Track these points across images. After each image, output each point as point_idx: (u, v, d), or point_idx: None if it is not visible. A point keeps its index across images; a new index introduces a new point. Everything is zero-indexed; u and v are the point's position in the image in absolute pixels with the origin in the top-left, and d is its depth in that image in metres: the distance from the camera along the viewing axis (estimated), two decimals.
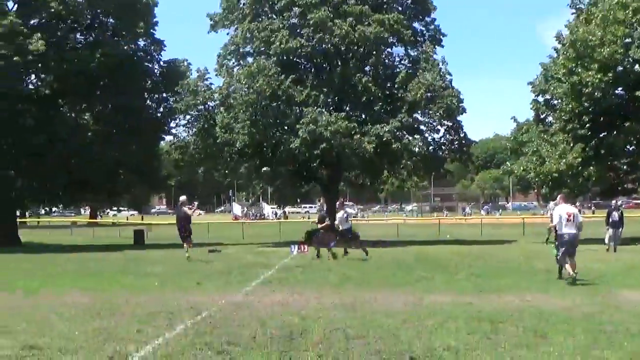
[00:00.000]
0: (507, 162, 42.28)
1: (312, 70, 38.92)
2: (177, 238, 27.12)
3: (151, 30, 41.50)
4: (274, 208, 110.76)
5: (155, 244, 28.46)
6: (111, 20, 40.39)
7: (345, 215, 27.17)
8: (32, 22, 38.02)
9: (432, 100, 35.79)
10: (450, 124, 38.13)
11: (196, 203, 29.59)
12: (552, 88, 36.61)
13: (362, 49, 37.53)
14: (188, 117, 39.80)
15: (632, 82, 33.68)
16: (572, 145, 34.68)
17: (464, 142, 39.19)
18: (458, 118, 38.13)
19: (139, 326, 11.40)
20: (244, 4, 38.85)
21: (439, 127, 38.39)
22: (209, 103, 38.89)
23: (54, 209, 67.95)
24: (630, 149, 36.20)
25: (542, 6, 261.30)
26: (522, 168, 37.14)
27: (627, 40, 32.93)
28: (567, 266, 17.61)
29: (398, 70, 38.50)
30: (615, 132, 35.01)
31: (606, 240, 29.67)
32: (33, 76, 38.76)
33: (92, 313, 12.92)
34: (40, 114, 35.70)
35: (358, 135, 34.41)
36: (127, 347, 9.80)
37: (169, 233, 35.89)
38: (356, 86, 36.38)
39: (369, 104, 37.07)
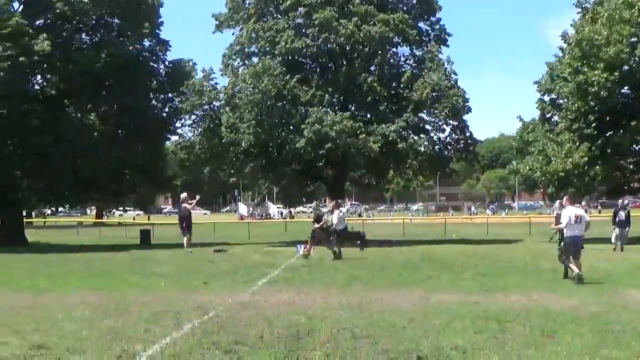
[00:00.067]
0: (513, 162, 42.17)
1: (318, 70, 38.96)
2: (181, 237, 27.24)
3: (156, 31, 41.50)
4: (279, 208, 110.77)
5: (161, 244, 28.48)
6: (116, 20, 40.39)
7: (341, 214, 27.27)
8: (37, 22, 38.07)
9: (438, 99, 35.79)
10: (455, 123, 38.15)
11: (197, 197, 29.48)
12: (558, 87, 36.54)
13: (367, 49, 37.53)
14: (193, 117, 39.90)
15: (638, 81, 33.61)
16: (578, 144, 34.61)
17: (469, 141, 39.20)
18: (463, 117, 38.23)
19: (146, 326, 11.42)
20: (249, 4, 38.90)
21: (444, 126, 38.47)
22: (214, 103, 38.95)
23: (60, 209, 68.11)
24: (637, 148, 36.12)
25: (547, 5, 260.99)
26: (528, 167, 37.06)
27: (633, 39, 32.80)
28: (572, 266, 17.61)
29: (403, 70, 38.54)
30: (621, 131, 34.92)
31: (613, 240, 29.59)
32: (39, 77, 38.81)
33: (99, 313, 12.94)
34: (45, 115, 35.72)
35: (363, 135, 34.42)
36: (135, 346, 9.82)
37: (176, 233, 35.93)
38: (361, 86, 36.39)
39: (374, 103, 37.08)
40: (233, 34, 39.90)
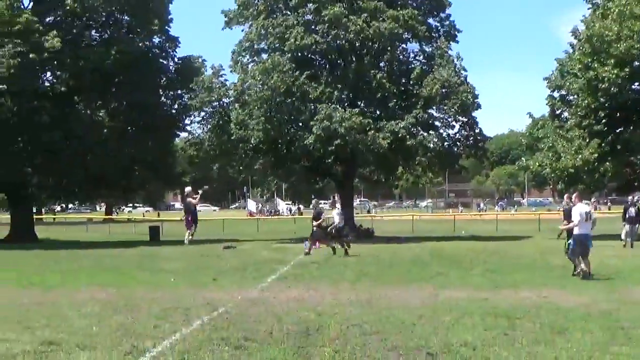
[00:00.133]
0: (523, 158, 42.06)
1: (327, 66, 38.92)
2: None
3: (166, 27, 41.51)
4: (288, 204, 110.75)
5: (170, 240, 28.53)
6: (126, 17, 40.40)
7: (339, 212, 27.34)
8: (47, 19, 38.13)
9: (447, 96, 35.70)
10: (465, 119, 38.06)
11: (200, 191, 29.52)
12: (568, 83, 36.41)
13: (376, 45, 37.49)
14: (203, 113, 39.92)
15: None
16: (588, 140, 34.49)
17: (479, 137, 39.09)
18: (473, 114, 38.08)
19: (155, 322, 11.45)
20: (258, 0, 38.84)
21: (454, 123, 38.36)
22: (223, 100, 38.97)
23: (69, 205, 68.28)
24: None
25: (557, 1, 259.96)
26: (537, 164, 36.94)
27: None
28: (583, 265, 17.59)
29: (413, 66, 38.45)
30: (631, 128, 34.83)
31: (623, 237, 29.51)
32: (49, 73, 38.87)
33: (109, 309, 12.98)
34: (55, 111, 35.77)
35: (372, 132, 34.38)
36: (144, 342, 9.84)
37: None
38: (371, 82, 36.36)
39: (383, 100, 37.04)
40: (242, 30, 39.94)
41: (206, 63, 42.53)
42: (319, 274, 19.09)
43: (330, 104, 35.02)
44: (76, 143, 36.45)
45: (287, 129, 36.61)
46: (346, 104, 36.66)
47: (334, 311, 12.40)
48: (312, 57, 38.84)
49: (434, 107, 36.99)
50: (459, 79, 36.25)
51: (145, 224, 49.35)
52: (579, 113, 35.70)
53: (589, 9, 36.91)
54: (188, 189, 28.42)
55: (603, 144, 34.29)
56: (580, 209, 17.91)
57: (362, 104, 37.91)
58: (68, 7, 36.81)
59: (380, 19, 36.10)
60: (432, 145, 36.81)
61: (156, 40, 41.82)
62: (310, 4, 37.54)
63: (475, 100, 36.94)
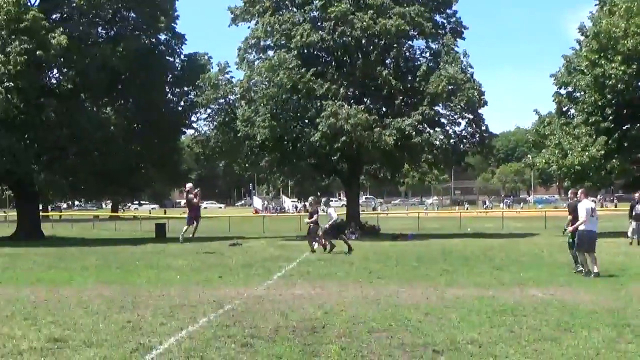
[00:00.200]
0: (529, 155, 41.98)
1: (333, 63, 38.86)
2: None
3: (172, 24, 41.55)
4: (294, 202, 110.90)
5: (176, 238, 28.52)
6: (132, 14, 40.43)
7: (334, 209, 27.49)
8: (54, 16, 38.22)
9: (454, 93, 35.63)
10: (471, 116, 37.99)
11: (197, 190, 29.49)
12: (575, 80, 36.31)
13: (382, 42, 37.42)
14: (209, 110, 39.99)
15: None
16: (594, 137, 34.35)
17: (485, 135, 38.99)
18: (479, 111, 38.01)
19: (162, 319, 11.47)
20: None
21: (460, 120, 38.30)
22: (229, 97, 38.99)
23: (76, 203, 68.47)
24: None
25: None
26: (544, 161, 36.84)
27: None
28: (589, 261, 17.60)
29: (419, 63, 38.41)
30: (638, 125, 34.70)
31: (629, 234, 29.43)
32: (55, 71, 38.95)
33: (115, 306, 13.01)
34: (62, 108, 35.83)
35: (378, 128, 34.36)
36: (151, 340, 9.86)
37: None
38: (377, 79, 36.34)
39: (389, 97, 37.03)
40: (249, 27, 39.89)
41: (212, 60, 42.61)
42: (325, 272, 19.08)
43: (336, 101, 34.99)
44: (82, 140, 36.53)
45: (293, 126, 36.63)
46: (352, 101, 36.62)
47: (340, 309, 12.41)
48: (318, 54, 38.82)
49: (440, 104, 36.93)
50: (465, 75, 36.16)
51: (152, 221, 49.44)
52: (586, 110, 35.60)
53: (596, 5, 36.85)
54: (189, 185, 28.42)
55: (610, 141, 34.18)
56: (585, 205, 17.90)
57: (368, 101, 37.92)
58: (74, 5, 36.88)
59: (387, 15, 36.05)
60: (438, 143, 36.75)
61: (162, 37, 41.90)
62: (317, 1, 37.53)
63: (482, 97, 36.85)
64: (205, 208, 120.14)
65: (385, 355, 8.95)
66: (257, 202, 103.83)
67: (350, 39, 36.49)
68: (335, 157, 38.35)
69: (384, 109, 37.67)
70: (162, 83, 41.57)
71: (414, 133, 34.89)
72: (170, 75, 42.23)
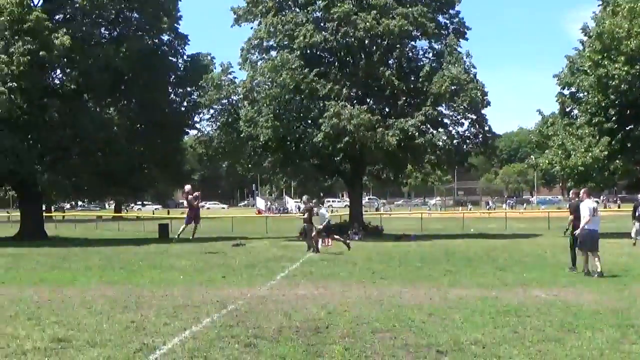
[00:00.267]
0: (532, 156, 41.95)
1: (336, 63, 38.84)
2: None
3: (175, 25, 41.59)
4: (297, 202, 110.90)
5: (180, 238, 28.58)
6: (135, 15, 40.49)
7: (326, 209, 27.57)
8: (57, 17, 38.30)
9: (457, 93, 35.60)
10: (474, 117, 37.94)
11: (197, 193, 29.53)
12: (578, 81, 36.26)
13: (385, 43, 37.39)
14: (212, 111, 40.08)
15: None
16: (598, 138, 34.31)
17: (488, 135, 38.96)
18: (482, 111, 37.94)
19: (165, 319, 11.47)
20: None
21: (463, 120, 38.24)
22: (232, 97, 39.04)
23: (79, 203, 68.46)
24: None
25: None
26: (547, 161, 36.80)
27: None
28: (591, 261, 17.62)
29: (422, 63, 38.39)
30: None
31: (633, 234, 29.37)
32: (58, 71, 39.02)
33: (119, 306, 13.02)
34: (65, 109, 35.88)
35: (381, 129, 34.35)
36: (154, 340, 9.86)
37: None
38: (380, 80, 36.32)
39: (392, 97, 37.03)
40: (252, 27, 39.88)
41: (215, 61, 42.71)
42: (329, 272, 19.09)
43: (339, 102, 34.98)
44: (86, 141, 36.59)
45: (296, 127, 36.65)
46: (355, 101, 36.62)
47: (343, 309, 12.41)
48: (321, 54, 38.82)
49: (443, 105, 36.90)
50: (468, 76, 36.12)
51: (155, 222, 49.47)
52: (589, 110, 35.56)
53: (599, 5, 36.79)
54: (187, 187, 28.50)
55: (613, 142, 34.13)
56: (588, 204, 17.93)
57: (371, 102, 37.93)
58: (78, 5, 36.98)
59: (390, 16, 36.03)
60: (441, 143, 36.72)
61: (165, 37, 41.96)
62: (320, 1, 37.50)
63: (485, 98, 36.82)
64: (207, 209, 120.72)
65: (389, 356, 8.94)
66: (260, 202, 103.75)
67: (353, 39, 36.46)
68: (338, 158, 38.35)
69: (386, 110, 37.68)
70: (165, 83, 41.63)
71: (417, 134, 34.88)
72: (173, 76, 42.29)
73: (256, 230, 45.85)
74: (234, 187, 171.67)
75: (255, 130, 36.12)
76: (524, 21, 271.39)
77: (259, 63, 38.68)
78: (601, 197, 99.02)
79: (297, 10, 38.51)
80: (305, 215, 27.54)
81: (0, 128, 33.98)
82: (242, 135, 36.98)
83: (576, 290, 14.89)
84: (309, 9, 37.82)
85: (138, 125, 40.91)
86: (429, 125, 36.62)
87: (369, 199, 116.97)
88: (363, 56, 37.88)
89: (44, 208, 51.61)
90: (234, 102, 39.17)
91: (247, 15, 39.55)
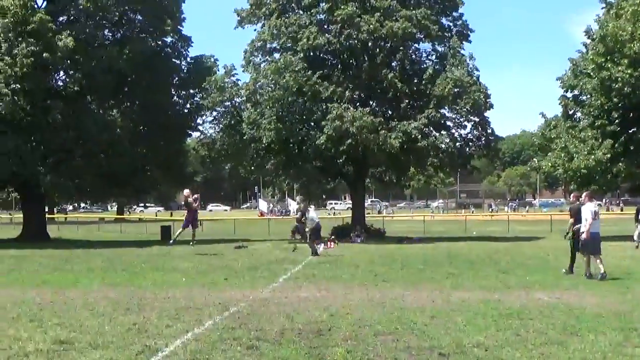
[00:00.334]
0: (535, 159, 41.91)
1: (339, 66, 38.84)
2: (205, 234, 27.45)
3: (178, 27, 41.60)
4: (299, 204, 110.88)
5: (182, 240, 28.60)
6: (139, 17, 40.49)
7: (314, 212, 27.51)
8: (61, 19, 38.31)
9: (460, 95, 35.56)
10: (477, 119, 37.90)
11: (196, 196, 29.55)
12: (581, 83, 36.25)
13: (389, 45, 37.39)
14: (215, 113, 40.04)
15: None
16: (601, 141, 34.32)
17: (491, 138, 38.94)
18: (485, 114, 37.90)
19: (168, 321, 11.47)
20: None
21: (466, 122, 38.20)
22: (235, 99, 39.05)
23: (81, 205, 68.50)
24: None
25: (570, 1, 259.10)
26: (550, 164, 36.81)
27: None
28: (593, 264, 17.63)
29: (425, 66, 38.36)
30: None
31: (635, 237, 29.33)
32: (62, 73, 39.02)
33: (121, 308, 13.02)
34: (68, 111, 35.86)
35: (384, 131, 34.33)
36: (157, 342, 9.86)
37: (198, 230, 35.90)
38: (382, 82, 36.31)
39: (395, 100, 37.03)
40: (255, 30, 39.94)
41: (218, 63, 42.61)
42: (331, 274, 19.08)
43: (341, 104, 34.98)
44: (89, 142, 36.56)
45: (299, 129, 36.65)
46: (358, 103, 36.62)
47: (345, 311, 12.40)
48: (325, 56, 38.81)
49: (446, 107, 36.86)
50: (471, 78, 36.07)
51: (157, 224, 49.47)
52: (592, 113, 35.57)
53: (602, 8, 36.78)
54: (186, 191, 28.60)
55: (616, 145, 34.13)
56: (589, 207, 17.94)
57: (373, 104, 37.96)
58: (81, 7, 36.95)
59: (393, 18, 36.01)
60: (443, 146, 36.69)
61: (168, 39, 41.91)
62: (323, 4, 37.54)
63: (488, 100, 36.78)
64: (210, 211, 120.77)
65: (391, 359, 8.94)
66: (263, 204, 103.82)
67: (356, 41, 36.44)
68: (340, 160, 38.33)
69: (389, 112, 37.69)
70: (168, 85, 41.61)
71: (419, 136, 34.85)
72: (176, 78, 42.27)
73: (259, 233, 45.85)
74: (236, 189, 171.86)
75: (258, 133, 36.14)
76: (527, 24, 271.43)
77: (262, 65, 38.71)
78: (604, 200, 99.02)
79: (301, 12, 38.52)
80: (298, 215, 27.80)
81: (4, 129, 33.97)
82: (244, 138, 36.99)
83: (579, 293, 14.87)
84: (312, 11, 37.81)
85: (141, 127, 40.89)
86: (431, 128, 36.59)
87: (371, 201, 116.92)
88: (366, 58, 37.90)
89: (46, 210, 51.61)
90: (236, 104, 39.19)
91: (250, 17, 39.59)
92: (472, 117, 37.58)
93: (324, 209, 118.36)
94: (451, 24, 39.65)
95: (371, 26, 35.43)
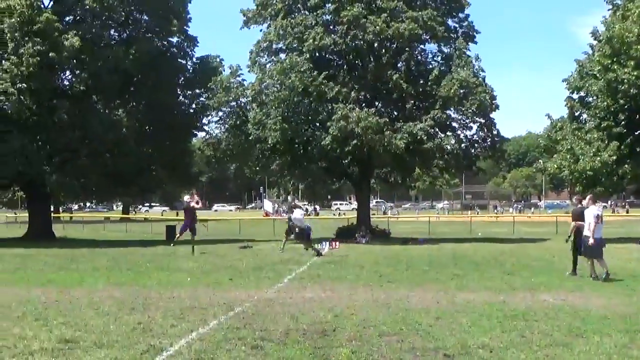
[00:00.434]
0: (540, 160, 41.85)
1: (345, 66, 38.79)
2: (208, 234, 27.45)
3: (184, 27, 41.65)
4: (305, 205, 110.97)
5: (187, 240, 28.59)
6: (145, 17, 40.58)
7: (302, 214, 27.72)
8: (67, 18, 38.41)
9: (465, 96, 35.48)
10: (482, 121, 37.77)
11: (196, 199, 29.64)
12: (587, 85, 36.14)
13: (395, 46, 37.35)
14: (220, 113, 39.98)
15: None
16: (607, 143, 34.22)
17: (496, 139, 38.81)
18: (491, 115, 37.79)
19: (172, 321, 11.48)
20: (277, 0, 38.77)
21: (471, 124, 38.09)
22: (241, 99, 39.00)
23: (87, 204, 68.58)
24: None
25: (577, 2, 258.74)
26: (555, 166, 36.72)
27: None
28: (596, 266, 17.63)
29: (431, 67, 38.29)
30: None
31: None
32: (68, 72, 39.10)
33: (126, 307, 13.03)
34: (74, 110, 35.95)
35: (389, 132, 34.29)
36: (162, 341, 9.87)
37: (202, 229, 35.99)
38: (388, 83, 36.26)
39: (400, 100, 36.98)
40: (261, 30, 39.91)
41: (224, 63, 42.72)
42: (336, 275, 19.07)
43: (347, 104, 34.95)
44: (94, 142, 36.65)
45: (304, 129, 36.60)
46: (363, 104, 36.57)
47: (350, 312, 12.40)
48: (330, 57, 38.77)
49: (452, 108, 36.78)
50: (477, 79, 35.97)
51: (162, 223, 49.51)
52: (598, 115, 35.46)
53: (609, 10, 36.66)
54: (187, 197, 28.70)
55: (622, 146, 34.04)
56: (593, 211, 17.91)
57: (379, 105, 37.91)
58: (87, 7, 37.03)
59: (400, 19, 35.97)
60: (449, 148, 36.63)
61: (174, 40, 42.01)
62: (329, 4, 37.51)
63: (493, 102, 36.67)
64: (215, 211, 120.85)
65: (396, 359, 8.93)
66: (268, 205, 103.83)
67: (362, 42, 36.39)
68: (346, 161, 38.31)
69: (395, 113, 37.63)
70: (174, 85, 41.69)
71: (425, 138, 34.79)
72: (182, 78, 42.35)
73: (263, 233, 45.86)
74: (241, 189, 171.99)
75: (263, 133, 36.13)
76: (533, 25, 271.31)
77: (267, 65, 38.70)
78: (609, 202, 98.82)
79: (307, 13, 38.47)
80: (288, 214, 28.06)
81: (10, 129, 34.07)
82: (250, 138, 36.97)
83: (584, 295, 14.85)
84: (318, 12, 37.77)
85: (146, 127, 40.98)
86: (437, 129, 36.51)
87: (376, 202, 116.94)
88: (372, 59, 37.86)
89: (52, 209, 51.72)
90: (242, 104, 39.16)
91: (256, 17, 39.58)
92: (477, 119, 37.47)
93: (329, 209, 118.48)
94: (457, 25, 39.57)
95: (377, 27, 35.38)
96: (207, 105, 40.08)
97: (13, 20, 34.29)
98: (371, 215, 44.75)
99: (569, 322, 11.29)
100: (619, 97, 33.73)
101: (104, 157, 37.75)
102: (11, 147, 33.62)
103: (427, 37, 37.92)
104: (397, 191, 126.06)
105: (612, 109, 34.58)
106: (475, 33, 39.64)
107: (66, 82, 38.94)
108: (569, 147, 35.94)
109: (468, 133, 38.61)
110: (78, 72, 37.50)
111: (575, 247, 18.85)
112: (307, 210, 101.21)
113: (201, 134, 44.27)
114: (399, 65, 37.79)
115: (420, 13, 36.00)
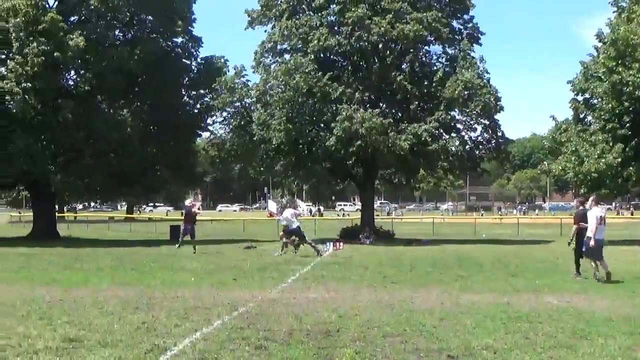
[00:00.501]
0: (545, 162, 41.75)
1: (349, 67, 38.83)
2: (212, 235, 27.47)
3: (189, 27, 41.67)
4: (309, 205, 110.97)
5: (188, 241, 28.63)
6: (150, 17, 40.57)
7: (293, 214, 27.53)
8: (72, 18, 38.43)
9: (470, 98, 35.48)
10: (487, 122, 37.77)
11: (197, 203, 29.76)
12: (592, 87, 36.11)
13: (399, 47, 37.35)
14: (225, 114, 40.05)
15: None
16: (611, 145, 34.18)
17: (501, 140, 38.80)
18: (495, 116, 37.79)
19: (176, 321, 11.48)
20: (282, 1, 38.81)
21: (476, 125, 38.10)
22: (245, 100, 39.05)
23: (91, 204, 68.68)
24: None
25: (582, 4, 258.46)
26: (560, 167, 36.66)
27: None
28: (598, 267, 17.66)
29: (435, 68, 38.28)
30: None
31: None
32: (72, 72, 39.15)
33: (130, 307, 13.04)
34: (78, 110, 35.97)
35: (393, 133, 34.29)
36: (165, 341, 9.87)
37: (204, 229, 36.01)
38: (392, 84, 36.27)
39: (405, 101, 36.98)
40: (265, 31, 39.95)
41: (228, 63, 42.66)
42: (340, 276, 19.07)
43: (351, 105, 34.94)
44: (99, 142, 36.68)
45: (309, 130, 36.61)
46: (367, 105, 36.56)
47: (354, 313, 12.40)
48: (335, 58, 38.80)
49: (456, 110, 36.78)
50: (481, 81, 35.96)
51: (166, 223, 49.55)
52: (603, 117, 35.42)
53: (614, 12, 36.63)
54: (188, 201, 28.83)
55: (627, 149, 33.99)
56: (595, 213, 17.91)
57: (383, 106, 37.92)
58: (92, 7, 37.05)
59: (404, 21, 35.97)
60: (454, 149, 36.62)
61: (179, 40, 42.00)
62: (334, 5, 37.52)
63: (498, 103, 36.67)
64: (220, 211, 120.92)
65: None
66: (272, 205, 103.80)
67: (366, 43, 36.41)
68: (350, 161, 38.28)
69: (399, 114, 37.66)
70: (179, 86, 41.69)
71: (430, 139, 34.78)
72: (187, 78, 42.35)
73: (268, 233, 45.86)
74: (246, 190, 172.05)
75: (267, 133, 36.15)
76: (538, 27, 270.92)
77: (272, 66, 38.74)
78: (614, 204, 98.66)
79: (311, 14, 38.48)
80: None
81: (14, 128, 34.11)
82: (254, 138, 37.01)
83: (588, 297, 14.83)
84: (323, 12, 37.79)
85: (151, 127, 40.99)
86: (442, 130, 36.49)
87: (380, 203, 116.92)
88: (376, 60, 37.86)
89: (56, 208, 51.77)
90: (246, 105, 39.20)
91: (261, 18, 39.61)
92: (482, 120, 37.46)
93: (333, 210, 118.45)
94: (462, 27, 39.59)
95: (382, 28, 35.39)
96: (212, 105, 40.13)
97: (18, 20, 34.32)
98: (375, 216, 44.75)
99: (573, 324, 11.28)
100: (623, 100, 33.70)
101: (109, 157, 37.77)
102: (16, 147, 33.67)
103: (432, 39, 37.96)
104: (402, 192, 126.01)
105: (617, 111, 34.54)
106: (479, 34, 39.63)
107: (71, 82, 38.99)
108: (573, 149, 35.89)
109: (472, 134, 38.68)
110: (83, 72, 37.54)
111: (577, 249, 18.85)
112: (310, 210, 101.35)
113: (205, 135, 44.38)
114: (403, 66, 37.81)
115: (425, 14, 36.01)
